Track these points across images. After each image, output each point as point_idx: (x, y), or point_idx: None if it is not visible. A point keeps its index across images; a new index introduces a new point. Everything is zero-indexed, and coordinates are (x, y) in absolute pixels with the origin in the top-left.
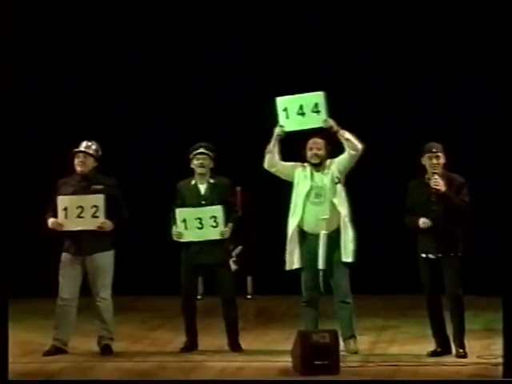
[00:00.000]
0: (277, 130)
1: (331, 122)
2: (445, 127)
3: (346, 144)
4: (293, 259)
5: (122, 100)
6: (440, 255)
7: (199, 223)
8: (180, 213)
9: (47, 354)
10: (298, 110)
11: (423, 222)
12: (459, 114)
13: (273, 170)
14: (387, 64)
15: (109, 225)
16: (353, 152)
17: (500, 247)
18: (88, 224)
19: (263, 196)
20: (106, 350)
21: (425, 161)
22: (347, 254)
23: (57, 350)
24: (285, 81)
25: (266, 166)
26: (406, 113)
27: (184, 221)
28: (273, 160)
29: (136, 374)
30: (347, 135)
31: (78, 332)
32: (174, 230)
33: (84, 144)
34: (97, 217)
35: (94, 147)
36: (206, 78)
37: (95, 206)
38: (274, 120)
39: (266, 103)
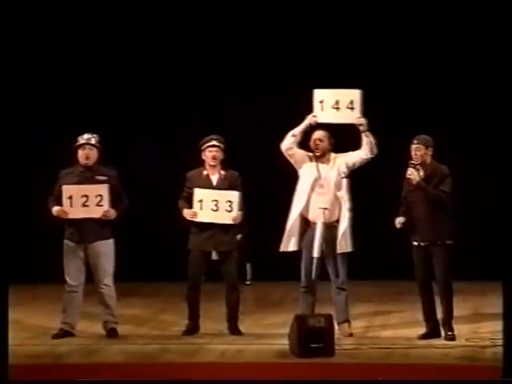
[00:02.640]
0: (309, 118)
1: (362, 121)
2: (443, 119)
3: (366, 145)
4: (290, 242)
5: (125, 90)
6: (427, 243)
7: (215, 205)
8: (198, 193)
9: (56, 336)
10: (334, 104)
11: (398, 222)
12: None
13: (289, 153)
14: (389, 55)
15: (112, 213)
16: (369, 155)
17: (499, 234)
18: (93, 212)
19: (261, 188)
20: (111, 333)
21: (411, 151)
22: (347, 245)
23: (65, 333)
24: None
25: (283, 146)
26: (405, 103)
27: (200, 201)
28: (292, 144)
29: (140, 356)
30: (371, 138)
31: (84, 316)
32: (187, 211)
33: (86, 136)
34: (101, 205)
35: (96, 139)
36: (209, 68)
37: (100, 196)
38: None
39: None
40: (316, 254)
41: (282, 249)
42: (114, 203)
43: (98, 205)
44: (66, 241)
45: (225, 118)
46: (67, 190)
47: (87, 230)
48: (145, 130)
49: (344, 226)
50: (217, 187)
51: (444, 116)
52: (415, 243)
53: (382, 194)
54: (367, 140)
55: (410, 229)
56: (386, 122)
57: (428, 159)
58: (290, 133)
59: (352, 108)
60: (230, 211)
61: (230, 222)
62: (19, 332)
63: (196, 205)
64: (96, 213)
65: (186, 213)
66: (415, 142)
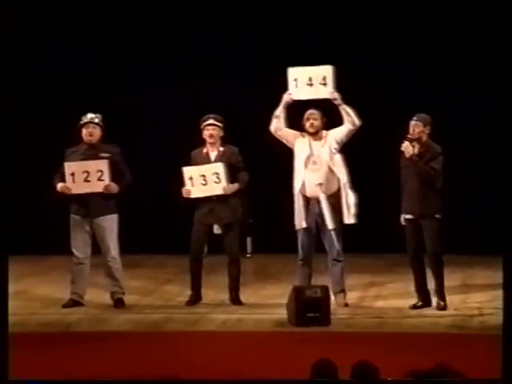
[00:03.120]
0: (285, 97)
1: (336, 95)
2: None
3: (345, 118)
4: (301, 220)
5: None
6: (417, 216)
7: (203, 180)
8: (186, 171)
9: (66, 306)
10: (308, 81)
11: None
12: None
13: (278, 134)
14: (389, 33)
15: (114, 187)
16: (351, 126)
17: (500, 207)
18: (94, 187)
19: (261, 165)
20: (118, 303)
21: (410, 127)
22: (350, 216)
23: (74, 303)
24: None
25: (272, 129)
26: (407, 83)
27: (191, 178)
28: (279, 124)
29: (146, 325)
30: (348, 110)
31: (93, 286)
32: (183, 189)
33: (89, 115)
34: (102, 180)
35: (100, 118)
36: (212, 48)
37: (100, 171)
38: (277, 88)
39: (271, 73)
40: (330, 225)
41: (297, 227)
42: (117, 179)
43: (99, 179)
44: (72, 215)
45: (226, 97)
46: (69, 167)
47: (93, 204)
48: (147, 108)
49: (344, 198)
50: (214, 162)
51: (443, 93)
52: (406, 216)
53: (376, 170)
54: (345, 112)
55: (403, 201)
56: (385, 100)
57: (424, 136)
58: (273, 115)
59: (325, 84)
60: (219, 182)
61: (222, 193)
62: (31, 302)
63: (187, 183)
64: (98, 187)
65: (182, 191)
66: (415, 118)
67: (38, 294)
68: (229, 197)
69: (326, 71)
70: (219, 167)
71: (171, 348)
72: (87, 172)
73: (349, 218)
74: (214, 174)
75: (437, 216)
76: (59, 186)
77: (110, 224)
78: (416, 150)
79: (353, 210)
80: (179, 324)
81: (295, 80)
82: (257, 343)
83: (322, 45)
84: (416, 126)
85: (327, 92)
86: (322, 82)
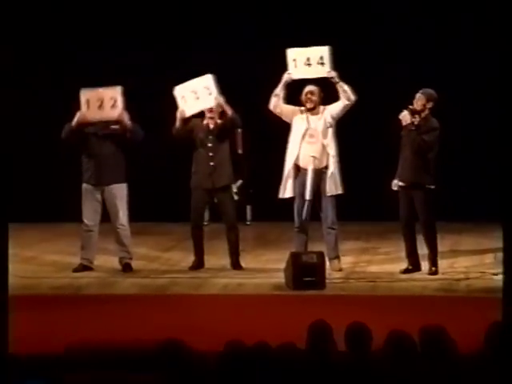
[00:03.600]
0: (285, 77)
1: (333, 73)
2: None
3: (342, 94)
4: (286, 189)
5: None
6: (409, 184)
7: (195, 95)
8: (178, 90)
9: (76, 270)
10: (306, 61)
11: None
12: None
13: (277, 111)
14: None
15: (126, 117)
16: (347, 102)
17: (499, 175)
18: (108, 114)
19: (261, 137)
20: (126, 268)
21: (414, 99)
22: (336, 188)
23: (84, 268)
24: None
25: (271, 106)
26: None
27: (183, 97)
28: (278, 102)
29: (152, 288)
30: (345, 87)
31: (102, 252)
32: (178, 111)
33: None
34: (115, 107)
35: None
36: (214, 27)
37: (113, 99)
38: (274, 69)
39: (269, 53)
40: (308, 196)
41: (281, 196)
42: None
43: (113, 106)
44: (84, 184)
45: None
46: (84, 93)
47: (104, 173)
48: (152, 77)
49: (331, 170)
50: (213, 131)
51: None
52: (399, 183)
53: (370, 142)
54: (341, 89)
55: (397, 169)
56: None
57: (426, 110)
58: (273, 93)
59: (322, 63)
60: (211, 94)
61: (213, 103)
62: (43, 266)
63: (180, 102)
64: (111, 114)
65: (177, 114)
66: (420, 92)
67: (50, 259)
68: (225, 162)
69: (323, 51)
70: (209, 79)
71: (176, 310)
72: (101, 99)
73: (336, 189)
74: (205, 88)
75: (428, 186)
76: (76, 116)
77: (120, 192)
78: (415, 122)
79: (339, 181)
80: (183, 287)
81: (294, 60)
82: (256, 306)
83: (320, 26)
84: (420, 99)
85: (324, 71)
86: (320, 62)
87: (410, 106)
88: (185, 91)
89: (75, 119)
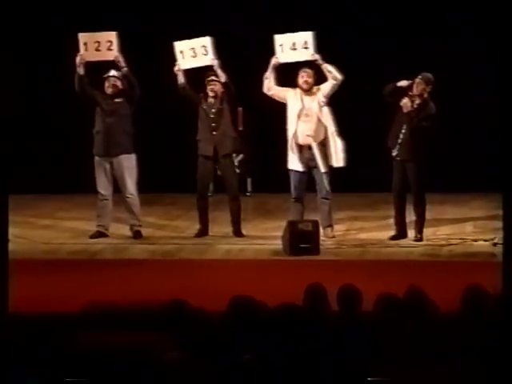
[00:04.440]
0: (273, 61)
1: (317, 56)
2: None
3: (328, 75)
4: (293, 162)
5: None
6: (403, 158)
7: (193, 52)
8: (177, 45)
9: (92, 237)
10: (292, 46)
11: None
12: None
13: (270, 93)
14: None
15: (122, 60)
16: (333, 81)
17: (500, 146)
18: (105, 56)
19: (260, 115)
20: (137, 235)
21: (414, 83)
22: (338, 160)
23: (100, 234)
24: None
25: (264, 89)
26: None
27: (181, 52)
28: (269, 85)
29: (160, 253)
30: (329, 68)
31: (114, 220)
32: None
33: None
34: (111, 50)
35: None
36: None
37: (110, 41)
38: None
39: (265, 37)
40: (323, 169)
41: (290, 167)
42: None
43: (109, 49)
44: (95, 157)
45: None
46: (82, 36)
47: (111, 145)
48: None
49: (334, 145)
50: (215, 102)
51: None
52: (393, 154)
53: (363, 118)
54: (326, 70)
55: (392, 142)
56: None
57: (425, 94)
58: (264, 77)
59: (306, 47)
60: (206, 54)
61: (208, 63)
62: (62, 233)
63: (178, 56)
64: (108, 56)
65: (174, 68)
66: (419, 77)
67: (67, 227)
68: (227, 132)
69: (308, 36)
70: (207, 41)
71: (182, 273)
72: (98, 42)
73: (337, 162)
74: (202, 47)
75: (418, 161)
76: (76, 59)
77: (128, 163)
78: (415, 105)
79: (341, 154)
80: (189, 253)
81: (281, 45)
82: (256, 269)
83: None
84: (419, 84)
85: (309, 54)
86: (305, 46)
87: (410, 93)
88: (183, 46)
89: (76, 62)
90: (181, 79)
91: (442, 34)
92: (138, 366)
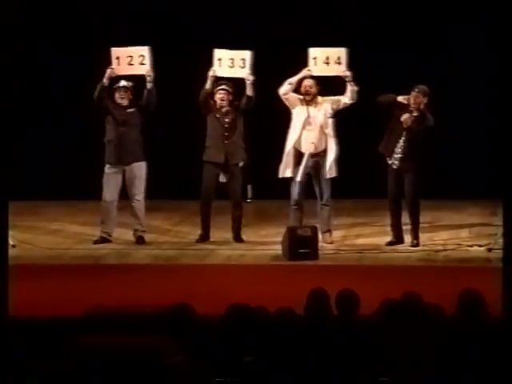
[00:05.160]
0: (305, 71)
1: (348, 73)
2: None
3: (349, 93)
4: (286, 170)
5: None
6: (398, 168)
7: (231, 63)
8: (217, 52)
9: (96, 242)
10: (325, 60)
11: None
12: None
13: (285, 97)
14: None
15: (152, 75)
16: (349, 101)
17: (498, 151)
18: (137, 70)
19: (261, 122)
20: (140, 240)
21: (411, 97)
22: (331, 172)
23: (103, 240)
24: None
25: (281, 91)
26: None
27: (220, 59)
28: (289, 90)
29: (162, 258)
30: (355, 88)
31: (118, 225)
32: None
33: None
34: (144, 64)
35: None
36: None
37: (142, 56)
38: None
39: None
40: (299, 178)
41: (280, 175)
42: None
43: (141, 63)
44: (107, 164)
45: None
46: (115, 52)
47: (124, 153)
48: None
49: (332, 157)
50: (230, 111)
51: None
52: (390, 162)
53: (364, 128)
54: (351, 88)
55: (388, 150)
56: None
57: (422, 105)
58: (287, 81)
59: (339, 63)
60: (243, 67)
61: (244, 76)
62: (66, 238)
63: (216, 62)
64: (140, 70)
65: (209, 72)
66: (416, 90)
67: (71, 232)
68: (239, 140)
69: (341, 52)
70: (247, 54)
71: (184, 278)
72: (131, 56)
73: (331, 174)
74: (241, 60)
75: (415, 170)
76: (106, 72)
77: (139, 171)
78: (413, 117)
79: (334, 166)
80: (191, 258)
81: (314, 58)
82: (256, 274)
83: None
84: (417, 97)
85: (341, 70)
86: (337, 62)
87: (411, 109)
88: (223, 55)
89: (106, 75)
90: (209, 85)
91: (437, 48)
92: (142, 369)
